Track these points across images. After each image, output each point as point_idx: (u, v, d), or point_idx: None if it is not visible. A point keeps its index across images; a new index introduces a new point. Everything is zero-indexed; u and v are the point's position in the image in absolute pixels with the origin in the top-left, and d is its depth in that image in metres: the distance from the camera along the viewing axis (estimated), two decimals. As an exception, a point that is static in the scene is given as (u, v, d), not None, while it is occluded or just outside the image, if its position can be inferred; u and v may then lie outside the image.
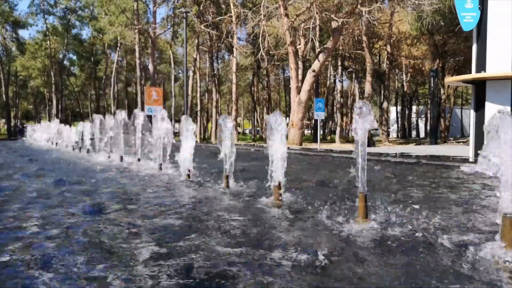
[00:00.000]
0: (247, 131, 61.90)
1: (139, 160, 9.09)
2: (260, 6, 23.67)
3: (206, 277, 2.17)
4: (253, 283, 2.07)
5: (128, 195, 5.05)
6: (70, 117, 58.17)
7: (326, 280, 2.13)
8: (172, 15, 35.75)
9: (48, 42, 43.89)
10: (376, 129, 36.90)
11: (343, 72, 40.16)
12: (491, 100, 11.71)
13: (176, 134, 10.38)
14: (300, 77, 24.11)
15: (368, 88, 28.23)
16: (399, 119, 44.01)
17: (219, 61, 41.76)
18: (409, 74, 40.88)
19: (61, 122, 27.50)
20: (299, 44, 25.64)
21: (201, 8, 31.94)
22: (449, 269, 2.25)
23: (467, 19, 12.01)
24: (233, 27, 29.83)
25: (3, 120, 46.75)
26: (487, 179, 5.94)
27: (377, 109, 41.61)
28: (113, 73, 44.75)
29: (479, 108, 12.05)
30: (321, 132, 36.61)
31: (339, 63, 37.62)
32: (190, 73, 36.19)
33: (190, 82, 35.54)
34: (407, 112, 44.17)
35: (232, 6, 28.44)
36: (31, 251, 2.67)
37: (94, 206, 4.22)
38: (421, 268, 2.25)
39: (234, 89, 31.84)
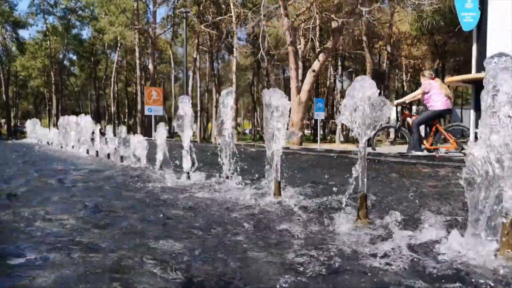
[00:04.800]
0: (247, 131, 61.96)
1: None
2: (260, 6, 23.67)
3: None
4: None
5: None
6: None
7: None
8: (172, 15, 35.79)
9: (48, 42, 43.98)
10: (377, 129, 36.95)
11: (343, 72, 40.20)
12: (491, 100, 11.66)
13: (176, 134, 10.13)
14: (300, 77, 24.13)
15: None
16: (399, 119, 44.00)
17: (219, 61, 41.87)
18: (409, 74, 40.94)
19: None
20: (299, 44, 25.65)
21: (201, 8, 31.95)
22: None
23: (467, 19, 12.00)
24: (233, 27, 29.85)
25: (3, 120, 46.82)
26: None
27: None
28: (113, 73, 44.81)
29: (479, 108, 11.98)
30: (321, 132, 36.65)
31: (339, 63, 37.67)
32: (190, 73, 36.23)
33: (190, 82, 35.58)
34: (407, 112, 44.19)
35: (232, 6, 28.45)
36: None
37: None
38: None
39: (234, 89, 31.87)
